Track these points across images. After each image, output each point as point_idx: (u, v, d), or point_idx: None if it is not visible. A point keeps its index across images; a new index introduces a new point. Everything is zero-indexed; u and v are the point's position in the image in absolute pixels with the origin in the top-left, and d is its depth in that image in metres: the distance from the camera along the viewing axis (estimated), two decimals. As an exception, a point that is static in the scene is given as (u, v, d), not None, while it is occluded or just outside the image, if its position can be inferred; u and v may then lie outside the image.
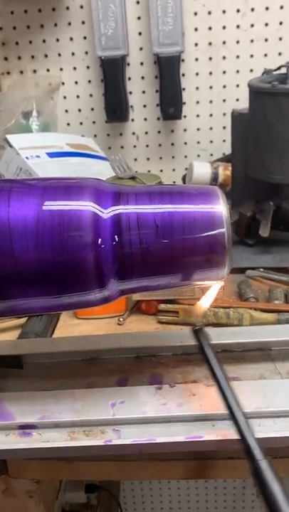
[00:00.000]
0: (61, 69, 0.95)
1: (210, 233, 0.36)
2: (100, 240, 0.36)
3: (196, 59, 0.93)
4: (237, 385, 0.44)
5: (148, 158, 1.01)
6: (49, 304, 0.39)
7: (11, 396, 0.44)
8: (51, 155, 0.81)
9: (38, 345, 0.51)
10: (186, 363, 0.50)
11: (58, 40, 0.93)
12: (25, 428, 0.41)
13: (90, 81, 0.96)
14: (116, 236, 0.36)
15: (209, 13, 0.90)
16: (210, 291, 0.42)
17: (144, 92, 0.96)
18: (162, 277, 0.38)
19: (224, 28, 0.91)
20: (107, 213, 0.37)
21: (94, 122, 0.99)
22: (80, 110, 0.98)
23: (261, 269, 0.65)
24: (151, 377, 0.48)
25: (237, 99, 0.95)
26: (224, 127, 0.96)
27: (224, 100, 0.95)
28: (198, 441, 0.38)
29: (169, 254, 0.37)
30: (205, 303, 0.42)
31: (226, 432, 0.39)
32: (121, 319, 0.60)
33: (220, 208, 0.36)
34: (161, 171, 1.00)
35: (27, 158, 0.77)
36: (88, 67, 0.95)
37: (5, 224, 0.36)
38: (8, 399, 0.44)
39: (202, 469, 0.42)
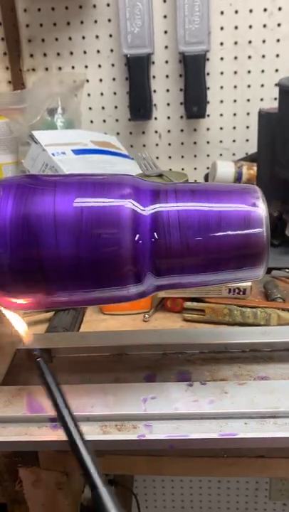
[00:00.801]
0: (86, 66, 0.96)
1: (249, 232, 0.36)
2: (137, 236, 0.37)
3: (222, 58, 0.93)
4: (266, 385, 0.44)
5: (170, 157, 1.01)
6: (84, 297, 0.40)
7: (41, 389, 0.45)
8: (76, 152, 0.82)
9: (68, 339, 0.52)
10: (213, 361, 0.50)
11: (83, 37, 0.94)
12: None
13: (114, 79, 0.96)
14: (155, 233, 0.37)
15: (236, 12, 0.90)
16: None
17: (168, 90, 0.96)
18: (199, 275, 0.38)
19: (250, 27, 0.91)
20: (146, 211, 0.37)
21: (117, 120, 0.99)
22: (103, 108, 0.98)
23: (287, 270, 0.65)
24: (179, 374, 0.48)
25: (261, 99, 0.94)
26: (248, 127, 0.96)
27: (248, 100, 0.95)
28: (231, 439, 0.38)
29: (207, 252, 0.37)
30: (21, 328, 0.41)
31: (259, 430, 0.39)
32: (146, 316, 0.61)
33: (260, 206, 0.37)
34: (182, 169, 1.00)
35: (53, 154, 0.78)
36: (113, 65, 0.95)
37: (51, 218, 0.36)
38: (39, 392, 0.44)
39: (232, 467, 0.42)
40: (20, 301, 0.40)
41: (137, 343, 0.51)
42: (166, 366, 0.50)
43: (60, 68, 0.97)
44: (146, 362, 0.50)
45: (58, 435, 0.41)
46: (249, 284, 0.58)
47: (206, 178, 0.95)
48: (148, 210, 0.37)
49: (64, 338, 0.53)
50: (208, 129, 0.98)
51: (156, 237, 0.36)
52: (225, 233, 0.36)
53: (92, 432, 0.40)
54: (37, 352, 0.38)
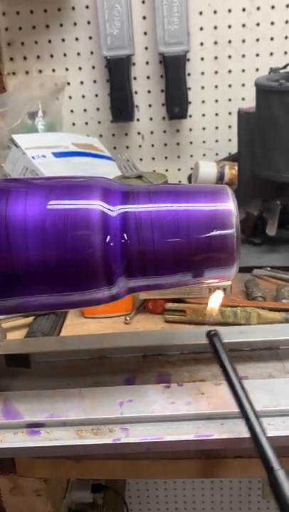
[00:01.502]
0: (67, 69, 0.96)
1: (219, 232, 0.36)
2: (108, 238, 0.36)
3: (202, 58, 0.93)
4: (245, 384, 0.44)
5: (153, 158, 1.01)
6: (57, 301, 0.39)
7: (18, 395, 0.44)
8: (57, 155, 0.81)
9: (46, 344, 0.51)
10: (193, 361, 0.50)
11: (63, 40, 0.93)
12: (34, 426, 0.41)
13: (95, 81, 0.96)
14: (125, 234, 0.36)
15: (215, 12, 0.90)
16: (215, 294, 0.42)
17: (149, 91, 0.96)
18: (171, 276, 0.38)
19: (230, 27, 0.91)
20: (115, 212, 0.37)
21: (99, 122, 0.99)
22: (85, 110, 0.98)
23: (268, 268, 0.65)
24: (159, 376, 0.48)
25: (243, 99, 0.94)
26: (230, 126, 0.96)
27: (230, 99, 0.95)
28: (207, 440, 0.38)
29: (177, 253, 0.37)
30: (214, 305, 0.42)
31: (235, 430, 0.38)
32: (128, 318, 0.60)
33: (229, 206, 0.36)
34: (166, 170, 1.00)
35: (33, 157, 0.77)
36: (94, 67, 0.95)
37: (21, 221, 0.36)
38: (16, 397, 0.44)
39: (210, 468, 0.42)
40: (-7, 306, 0.40)
41: (116, 345, 0.51)
42: (146, 368, 0.49)
43: (40, 71, 0.96)
44: (126, 365, 0.50)
45: (35, 441, 0.40)
46: (229, 283, 0.58)
47: (190, 178, 0.95)
48: (117, 212, 0.37)
49: (42, 342, 0.52)
50: (190, 130, 0.98)
51: (126, 238, 0.36)
52: (194, 234, 0.36)
53: (68, 437, 0.40)
54: (214, 331, 0.39)
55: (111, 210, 0.37)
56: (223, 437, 0.38)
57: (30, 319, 0.59)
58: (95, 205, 0.37)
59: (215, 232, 0.36)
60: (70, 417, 0.41)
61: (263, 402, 0.41)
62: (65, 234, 0.37)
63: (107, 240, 0.36)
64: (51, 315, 0.59)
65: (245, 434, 0.38)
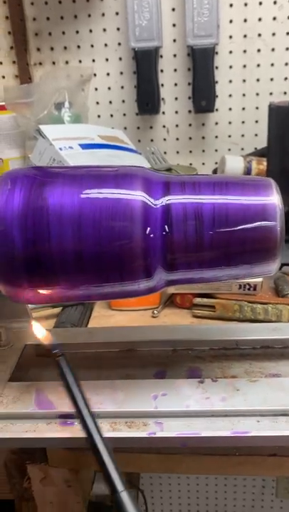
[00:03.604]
0: (93, 60, 0.95)
1: (262, 226, 0.36)
2: (148, 230, 0.36)
3: (230, 51, 0.92)
4: (279, 382, 0.43)
5: (178, 152, 1.00)
6: (93, 292, 0.39)
7: (50, 385, 0.44)
8: (84, 146, 0.81)
9: (76, 335, 0.51)
10: (224, 357, 0.49)
11: (91, 31, 0.93)
12: (66, 417, 0.41)
13: (121, 73, 0.95)
14: (166, 226, 0.36)
15: (245, 4, 0.88)
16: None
17: (176, 84, 0.95)
18: (211, 270, 0.37)
19: (260, 20, 0.89)
20: (157, 203, 0.36)
21: (124, 114, 0.98)
22: (110, 102, 0.97)
23: (298, 266, 0.64)
24: (190, 371, 0.48)
25: (271, 93, 0.93)
26: (257, 121, 0.95)
27: (257, 94, 0.94)
28: (244, 437, 0.37)
29: (219, 246, 0.36)
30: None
31: (272, 428, 0.38)
32: (155, 312, 0.60)
33: (274, 200, 0.36)
34: (190, 164, 0.99)
35: (60, 149, 0.77)
36: (120, 59, 0.94)
37: (59, 211, 0.35)
38: (48, 388, 0.44)
39: (244, 465, 0.42)
40: (29, 295, 0.39)
41: (146, 339, 0.51)
42: (176, 363, 0.49)
43: (67, 62, 0.96)
44: (156, 358, 0.50)
45: (67, 432, 0.40)
46: (260, 279, 0.57)
47: (215, 173, 0.94)
48: (159, 203, 0.36)
49: (72, 333, 0.52)
50: (216, 124, 0.97)
51: (168, 230, 0.36)
52: (237, 226, 0.35)
53: (101, 429, 0.40)
54: (58, 350, 0.37)
55: (153, 202, 0.36)
56: (259, 434, 0.38)
57: (58, 310, 0.59)
58: (137, 195, 0.36)
59: (258, 226, 0.36)
60: (104, 409, 0.41)
61: (298, 400, 0.40)
62: (105, 224, 0.36)
63: (147, 232, 0.36)
64: (79, 306, 0.59)
65: (282, 432, 0.38)
